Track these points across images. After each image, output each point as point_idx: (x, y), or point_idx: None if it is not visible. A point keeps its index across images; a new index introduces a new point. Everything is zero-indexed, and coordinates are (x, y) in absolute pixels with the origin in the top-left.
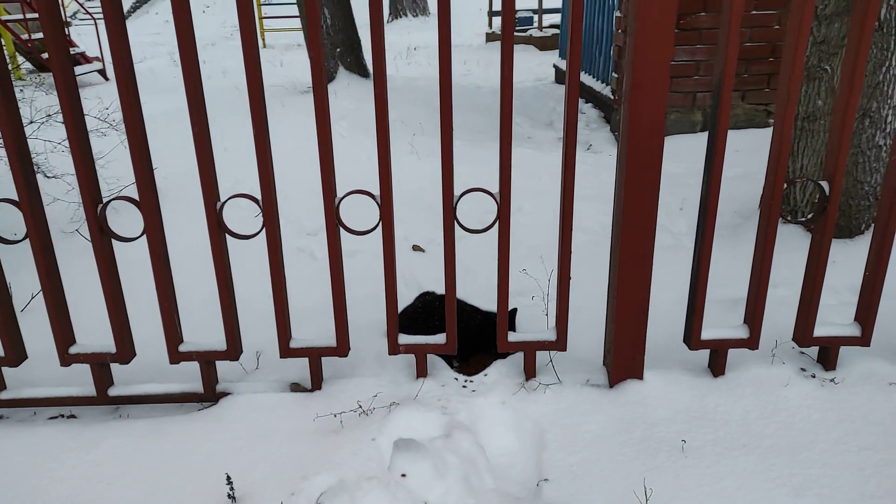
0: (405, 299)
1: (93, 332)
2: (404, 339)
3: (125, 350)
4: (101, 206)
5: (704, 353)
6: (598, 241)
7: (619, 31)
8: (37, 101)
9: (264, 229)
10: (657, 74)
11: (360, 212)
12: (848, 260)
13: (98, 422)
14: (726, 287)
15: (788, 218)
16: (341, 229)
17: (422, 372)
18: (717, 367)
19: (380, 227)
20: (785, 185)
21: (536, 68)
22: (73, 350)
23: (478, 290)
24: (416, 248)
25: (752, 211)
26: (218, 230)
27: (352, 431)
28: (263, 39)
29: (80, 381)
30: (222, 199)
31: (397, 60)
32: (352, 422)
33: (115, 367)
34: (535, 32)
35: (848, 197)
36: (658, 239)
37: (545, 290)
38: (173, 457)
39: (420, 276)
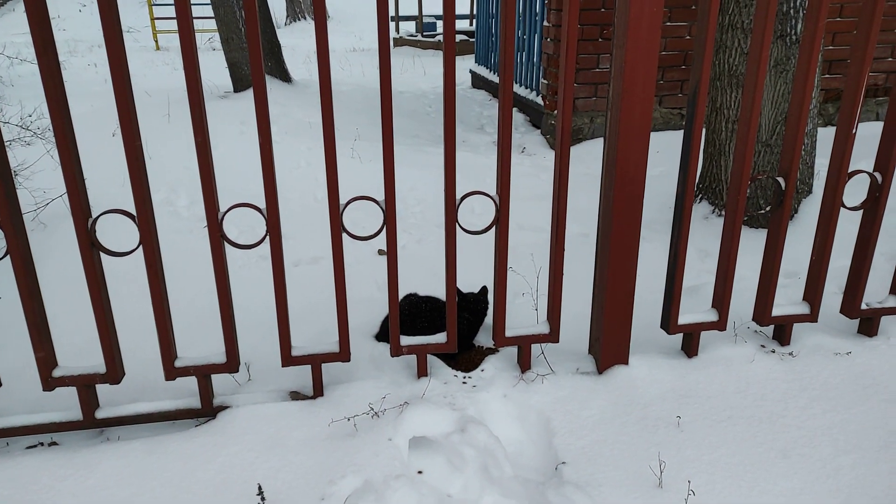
0: (384, 303)
1: (64, 350)
2: (406, 340)
3: (115, 370)
4: (91, 219)
5: (677, 337)
6: (547, 238)
7: (548, 39)
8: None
9: (268, 238)
10: (646, 79)
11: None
12: None
13: (86, 447)
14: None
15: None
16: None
17: (423, 371)
18: (691, 348)
19: (384, 232)
20: (750, 182)
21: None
22: (57, 373)
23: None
24: (381, 252)
25: None
26: (219, 240)
27: (367, 434)
28: (156, 41)
29: (58, 405)
30: (221, 210)
31: (308, 64)
32: (365, 424)
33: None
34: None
35: (759, 181)
36: (594, 234)
37: (534, 287)
38: (184, 474)
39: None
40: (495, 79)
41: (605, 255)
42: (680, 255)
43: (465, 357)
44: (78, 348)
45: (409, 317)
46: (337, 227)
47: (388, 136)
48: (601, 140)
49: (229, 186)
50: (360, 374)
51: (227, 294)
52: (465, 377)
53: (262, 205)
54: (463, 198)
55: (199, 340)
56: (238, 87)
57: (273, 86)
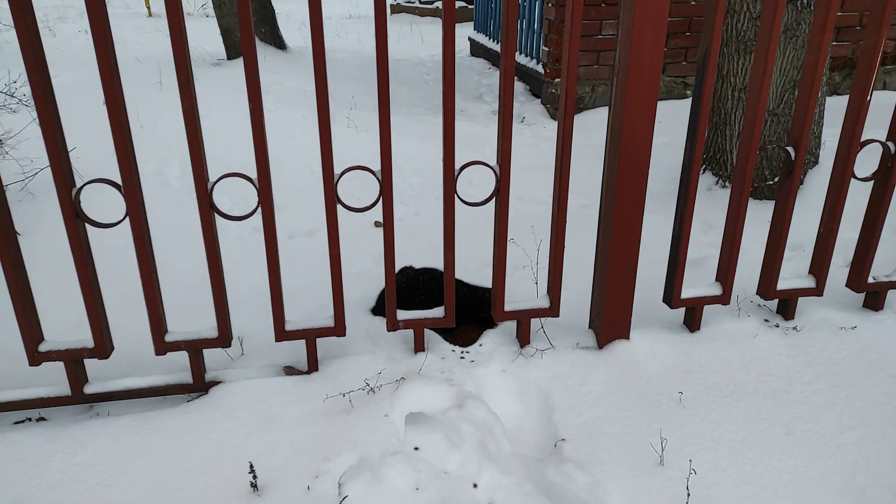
0: (379, 279)
1: (53, 325)
2: (403, 314)
3: (104, 344)
4: (75, 189)
5: (679, 312)
6: (548, 210)
7: (550, 4)
8: None
9: (260, 209)
10: (654, 45)
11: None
12: None
13: (74, 422)
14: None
15: (730, 184)
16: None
17: (420, 346)
18: (693, 323)
19: (380, 203)
20: (759, 153)
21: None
22: (43, 347)
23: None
24: (378, 224)
25: None
26: (209, 212)
27: (363, 410)
28: (148, 7)
29: (47, 379)
30: (211, 180)
31: (303, 31)
32: (361, 400)
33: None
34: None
35: (769, 150)
36: (596, 206)
37: (534, 260)
38: (175, 451)
39: None
40: (494, 46)
41: (607, 227)
42: (684, 227)
43: (463, 331)
44: (68, 323)
45: (406, 290)
46: (331, 199)
47: (384, 105)
48: (603, 109)
49: (220, 156)
50: (355, 348)
51: (218, 267)
52: (463, 352)
53: (254, 175)
54: (462, 168)
55: (190, 314)
56: (231, 54)
57: (267, 53)
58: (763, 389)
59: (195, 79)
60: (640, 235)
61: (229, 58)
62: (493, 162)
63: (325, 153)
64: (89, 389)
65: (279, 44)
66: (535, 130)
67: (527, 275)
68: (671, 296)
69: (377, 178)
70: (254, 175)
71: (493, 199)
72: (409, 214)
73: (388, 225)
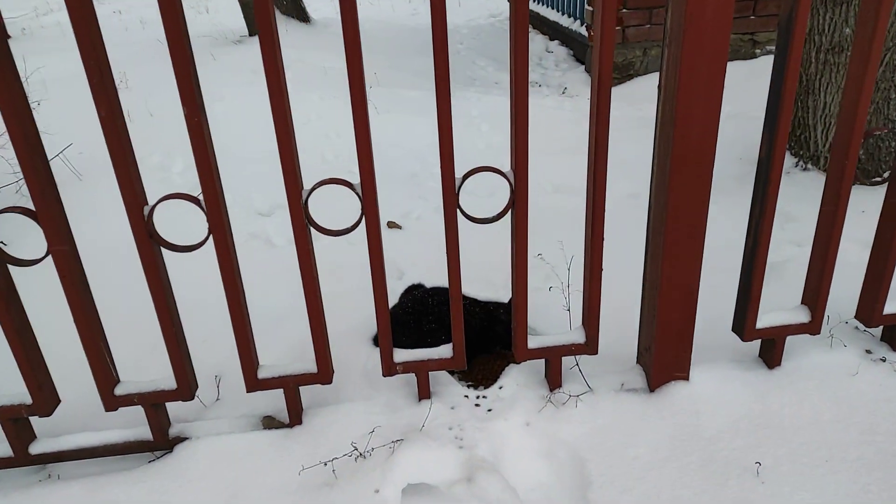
0: (389, 294)
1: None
2: (401, 354)
3: (44, 398)
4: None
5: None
6: None
7: None
8: None
9: (211, 238)
10: (719, 2)
11: (330, 193)
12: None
13: (18, 488)
14: (740, 250)
15: (813, 165)
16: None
17: (425, 393)
18: (772, 357)
19: (363, 224)
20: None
21: (488, 2)
22: None
23: (472, 276)
24: (391, 224)
25: None
26: (149, 242)
27: (349, 483)
28: None
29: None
30: (151, 202)
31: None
32: (347, 470)
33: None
34: None
35: (877, 138)
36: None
37: (564, 280)
38: None
39: (402, 261)
40: (536, 7)
41: (659, 240)
42: (761, 243)
43: (480, 365)
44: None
45: (412, 315)
46: (299, 219)
47: (443, 101)
48: (655, 75)
49: (230, 145)
50: (349, 391)
51: (169, 306)
52: (478, 397)
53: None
54: (465, 178)
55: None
56: (253, 30)
57: (289, 27)
58: (869, 456)
59: (215, 59)
60: (702, 251)
61: (251, 34)
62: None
63: (286, 160)
64: (36, 449)
65: (302, 16)
66: (577, 103)
67: (556, 298)
68: (743, 325)
69: (357, 194)
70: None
71: (508, 213)
72: (429, 212)
73: (374, 252)
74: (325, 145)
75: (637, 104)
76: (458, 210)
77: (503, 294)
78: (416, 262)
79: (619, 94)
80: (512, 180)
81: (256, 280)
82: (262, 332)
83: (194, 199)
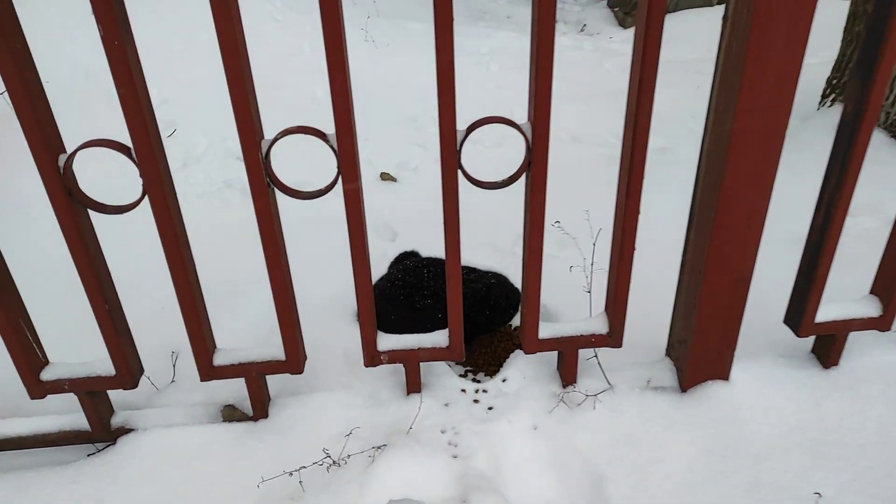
0: (378, 261)
1: None
2: (387, 341)
3: None
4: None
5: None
6: (616, 156)
7: None
8: None
9: (147, 197)
10: None
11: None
12: None
13: None
14: (789, 220)
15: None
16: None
17: (414, 386)
18: (829, 355)
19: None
20: None
21: None
22: None
23: (473, 239)
24: (385, 176)
25: (811, 110)
26: (68, 202)
27: (318, 498)
28: None
29: None
30: (74, 150)
31: None
32: (317, 480)
33: None
34: None
35: None
36: (683, 145)
37: (585, 252)
38: None
39: (395, 219)
40: None
41: (707, 218)
42: (834, 222)
43: (482, 347)
44: None
45: (402, 289)
46: (258, 176)
47: (443, 39)
48: (691, 13)
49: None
50: (325, 376)
51: (95, 275)
52: (477, 391)
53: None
54: (469, 132)
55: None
56: None
57: None
58: None
59: None
60: (760, 236)
61: None
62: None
63: (238, 103)
64: None
65: None
66: (598, 42)
67: (577, 279)
68: (800, 318)
69: (331, 148)
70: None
71: (523, 176)
72: (429, 162)
73: (355, 222)
74: (318, 82)
75: (667, 45)
76: (458, 171)
77: (509, 262)
78: (411, 220)
79: None
80: (529, 136)
81: (222, 240)
82: (223, 306)
83: (122, 147)
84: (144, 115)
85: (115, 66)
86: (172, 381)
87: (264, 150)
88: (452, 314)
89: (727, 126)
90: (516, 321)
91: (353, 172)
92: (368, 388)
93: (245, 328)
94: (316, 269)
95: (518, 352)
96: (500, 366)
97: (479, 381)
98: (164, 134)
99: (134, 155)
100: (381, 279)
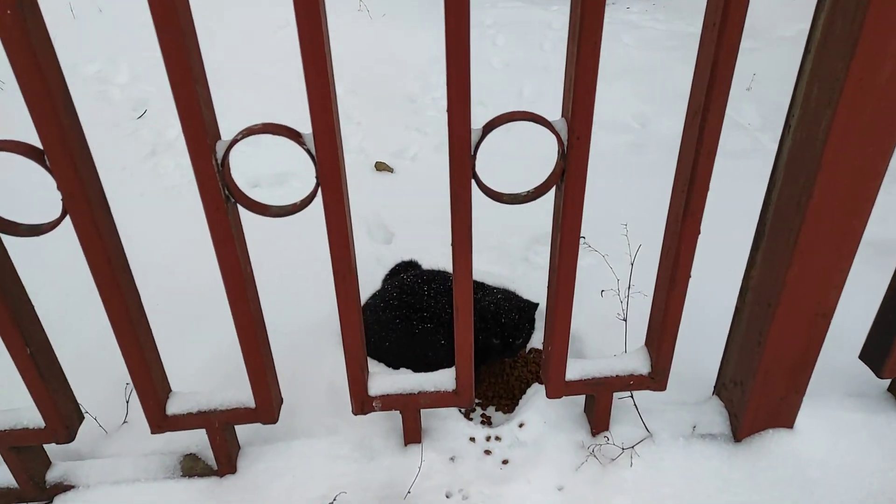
0: (371, 269)
1: None
2: (380, 382)
3: None
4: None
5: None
6: (640, 143)
7: None
8: None
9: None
10: None
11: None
12: None
13: None
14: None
15: None
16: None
17: (413, 436)
18: None
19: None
20: None
21: None
22: None
23: (480, 243)
24: (380, 166)
25: None
26: None
27: None
28: None
29: None
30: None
31: None
32: None
33: None
34: None
35: None
36: (725, 138)
37: (620, 272)
38: None
39: (390, 218)
40: None
41: (785, 238)
42: None
43: (492, 376)
44: None
45: (399, 309)
46: (211, 187)
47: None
48: None
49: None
50: (307, 419)
51: (8, 308)
52: (488, 437)
53: None
54: (487, 132)
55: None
56: None
57: None
58: None
59: None
60: (852, 261)
61: None
62: (551, 109)
63: (186, 112)
64: None
65: None
66: (614, 13)
67: (609, 305)
68: (884, 356)
69: (308, 153)
70: None
71: (556, 186)
72: (429, 150)
73: (338, 237)
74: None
75: (689, 17)
76: (472, 180)
77: (521, 271)
78: (409, 219)
79: (665, 3)
80: (564, 136)
81: (189, 243)
82: (185, 328)
83: (33, 152)
84: (59, 108)
85: (9, 48)
86: (125, 422)
87: (220, 154)
88: (461, 351)
89: (823, 125)
90: (534, 341)
91: (336, 181)
92: (358, 433)
93: (210, 358)
94: (298, 281)
95: (537, 388)
96: (513, 399)
97: (490, 424)
98: (134, 115)
99: (47, 161)
100: (374, 297)
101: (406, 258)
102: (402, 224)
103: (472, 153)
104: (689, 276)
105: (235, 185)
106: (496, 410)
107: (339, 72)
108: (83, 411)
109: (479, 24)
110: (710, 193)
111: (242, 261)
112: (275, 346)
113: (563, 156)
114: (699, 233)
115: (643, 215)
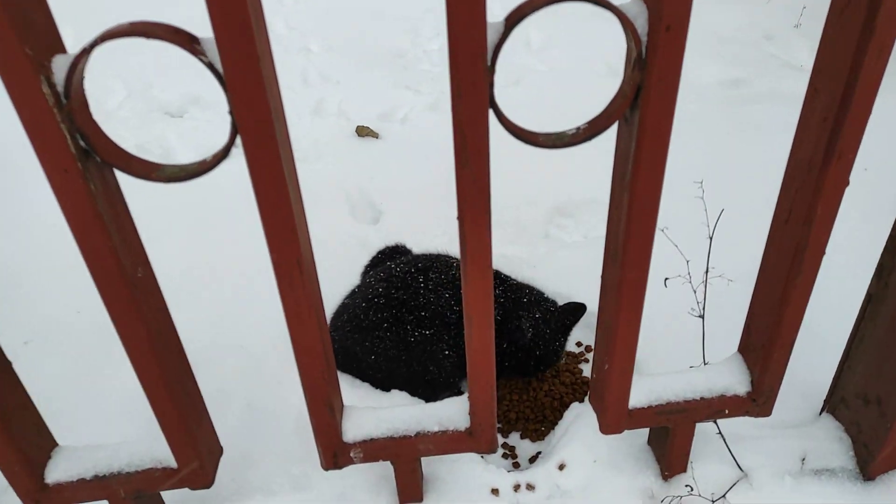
0: (355, 255)
1: None
2: (360, 421)
3: None
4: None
5: None
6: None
7: None
8: None
9: None
10: None
11: None
12: None
13: None
14: None
15: None
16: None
17: (412, 492)
18: None
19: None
20: None
21: None
22: None
23: (493, 223)
24: (363, 131)
25: None
26: None
27: None
28: None
29: None
30: None
31: None
32: None
33: None
34: None
35: None
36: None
37: (692, 256)
38: None
39: (377, 193)
40: None
41: None
42: None
43: (516, 391)
44: None
45: (386, 311)
46: (52, 137)
47: None
48: None
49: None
50: (268, 468)
51: None
52: (517, 486)
53: None
54: (511, 25)
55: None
56: None
57: None
58: None
59: None
60: None
61: None
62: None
63: None
64: None
65: None
66: None
67: (678, 294)
68: None
69: (212, 71)
70: None
71: (621, 118)
72: (421, 110)
73: (272, 220)
74: (276, 13)
75: None
76: (490, 109)
77: (542, 251)
78: (399, 193)
79: None
80: (642, 29)
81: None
82: (99, 350)
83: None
84: None
85: None
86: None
87: (60, 76)
88: (477, 370)
89: None
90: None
91: (262, 112)
92: (336, 488)
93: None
94: (262, 282)
95: (578, 409)
96: (544, 420)
97: (516, 462)
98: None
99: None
100: (352, 296)
101: (395, 241)
102: (390, 199)
103: (490, 63)
104: (824, 253)
105: (100, 130)
106: (522, 438)
107: (316, 27)
108: None
109: None
110: (758, 138)
111: (122, 255)
112: (230, 366)
113: (640, 61)
114: (847, 183)
115: (722, 172)
